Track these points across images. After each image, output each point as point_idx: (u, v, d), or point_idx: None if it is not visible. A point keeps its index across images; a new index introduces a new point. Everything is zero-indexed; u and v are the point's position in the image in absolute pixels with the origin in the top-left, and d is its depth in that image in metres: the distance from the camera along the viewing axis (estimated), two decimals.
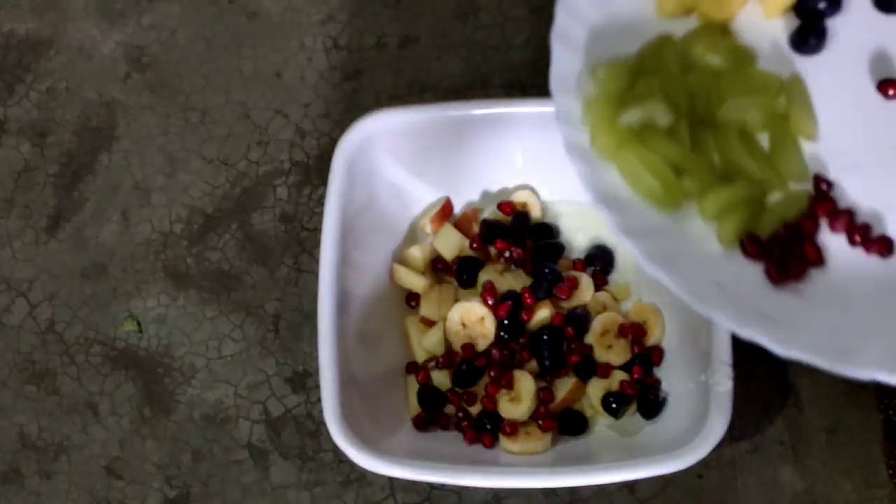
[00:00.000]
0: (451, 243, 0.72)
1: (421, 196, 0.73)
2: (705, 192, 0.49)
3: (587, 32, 0.53)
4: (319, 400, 0.64)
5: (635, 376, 0.67)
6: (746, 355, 0.69)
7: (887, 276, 0.49)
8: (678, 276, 0.46)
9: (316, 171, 0.78)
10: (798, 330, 0.47)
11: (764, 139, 0.51)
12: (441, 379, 0.69)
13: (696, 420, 0.62)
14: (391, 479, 0.70)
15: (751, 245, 0.48)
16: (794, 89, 0.50)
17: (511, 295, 0.69)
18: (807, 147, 0.50)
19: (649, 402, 0.67)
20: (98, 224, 0.78)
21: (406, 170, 0.71)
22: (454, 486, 0.69)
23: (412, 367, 0.70)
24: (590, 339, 0.69)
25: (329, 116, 0.79)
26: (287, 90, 0.80)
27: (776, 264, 0.48)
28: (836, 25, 0.53)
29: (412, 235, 0.73)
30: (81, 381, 0.75)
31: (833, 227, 0.50)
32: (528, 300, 0.69)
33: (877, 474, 0.68)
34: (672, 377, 0.67)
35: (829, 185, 0.50)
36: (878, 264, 0.49)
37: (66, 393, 0.75)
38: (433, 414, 0.69)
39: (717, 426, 0.61)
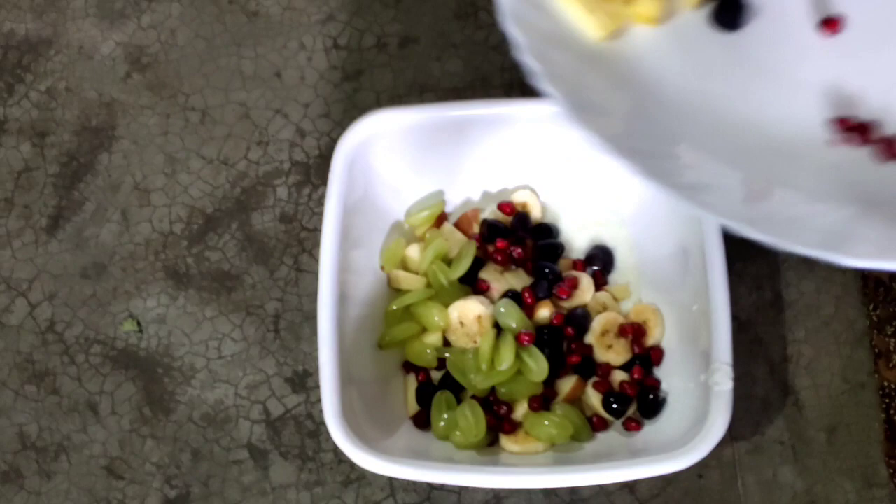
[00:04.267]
0: (451, 243, 0.72)
1: (421, 196, 0.73)
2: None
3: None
4: (319, 400, 0.64)
5: (635, 376, 0.68)
6: (746, 355, 0.69)
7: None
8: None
9: (316, 171, 0.78)
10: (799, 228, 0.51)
11: None
12: (440, 378, 0.69)
13: (696, 420, 0.62)
14: (391, 479, 0.70)
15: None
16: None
17: (511, 295, 0.69)
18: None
19: (649, 402, 0.67)
20: (98, 224, 0.78)
21: (406, 170, 0.71)
22: (454, 486, 0.69)
23: (411, 367, 0.70)
24: (590, 339, 0.69)
25: (329, 116, 0.79)
26: (287, 90, 0.80)
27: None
28: None
29: (412, 235, 0.73)
30: (81, 381, 0.75)
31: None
32: (528, 300, 0.69)
33: (877, 474, 0.68)
34: (672, 377, 0.67)
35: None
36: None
37: (66, 393, 0.75)
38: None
39: (717, 426, 0.61)
